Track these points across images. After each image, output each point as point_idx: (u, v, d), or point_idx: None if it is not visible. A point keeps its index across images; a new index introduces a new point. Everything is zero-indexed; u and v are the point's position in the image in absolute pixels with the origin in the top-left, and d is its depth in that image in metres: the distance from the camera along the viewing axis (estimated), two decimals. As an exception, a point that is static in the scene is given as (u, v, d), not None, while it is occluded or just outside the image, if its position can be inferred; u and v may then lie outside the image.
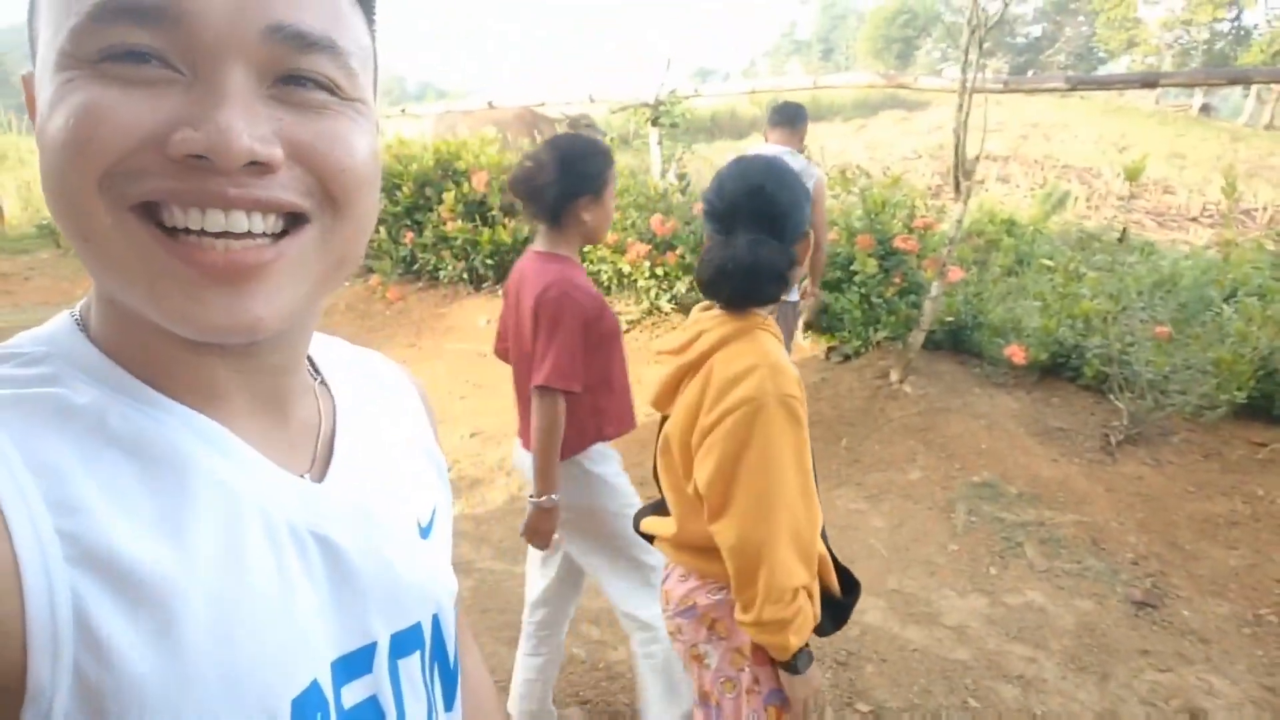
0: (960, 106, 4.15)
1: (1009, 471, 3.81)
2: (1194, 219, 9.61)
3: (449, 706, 0.68)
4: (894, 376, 4.48)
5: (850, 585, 1.57)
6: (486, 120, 7.44)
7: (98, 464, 0.46)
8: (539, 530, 2.04)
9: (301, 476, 0.56)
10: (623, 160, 7.52)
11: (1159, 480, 3.70)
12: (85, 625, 0.43)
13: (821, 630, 1.47)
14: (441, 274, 6.14)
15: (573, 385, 1.94)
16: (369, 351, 0.73)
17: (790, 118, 3.98)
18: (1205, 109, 20.05)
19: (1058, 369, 4.46)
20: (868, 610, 2.99)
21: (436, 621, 0.65)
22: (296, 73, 0.47)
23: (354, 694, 0.57)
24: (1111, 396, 4.05)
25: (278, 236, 0.47)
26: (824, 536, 1.49)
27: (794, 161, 4.22)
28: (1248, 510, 3.45)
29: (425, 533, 0.65)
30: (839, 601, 1.54)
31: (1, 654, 0.41)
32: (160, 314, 0.45)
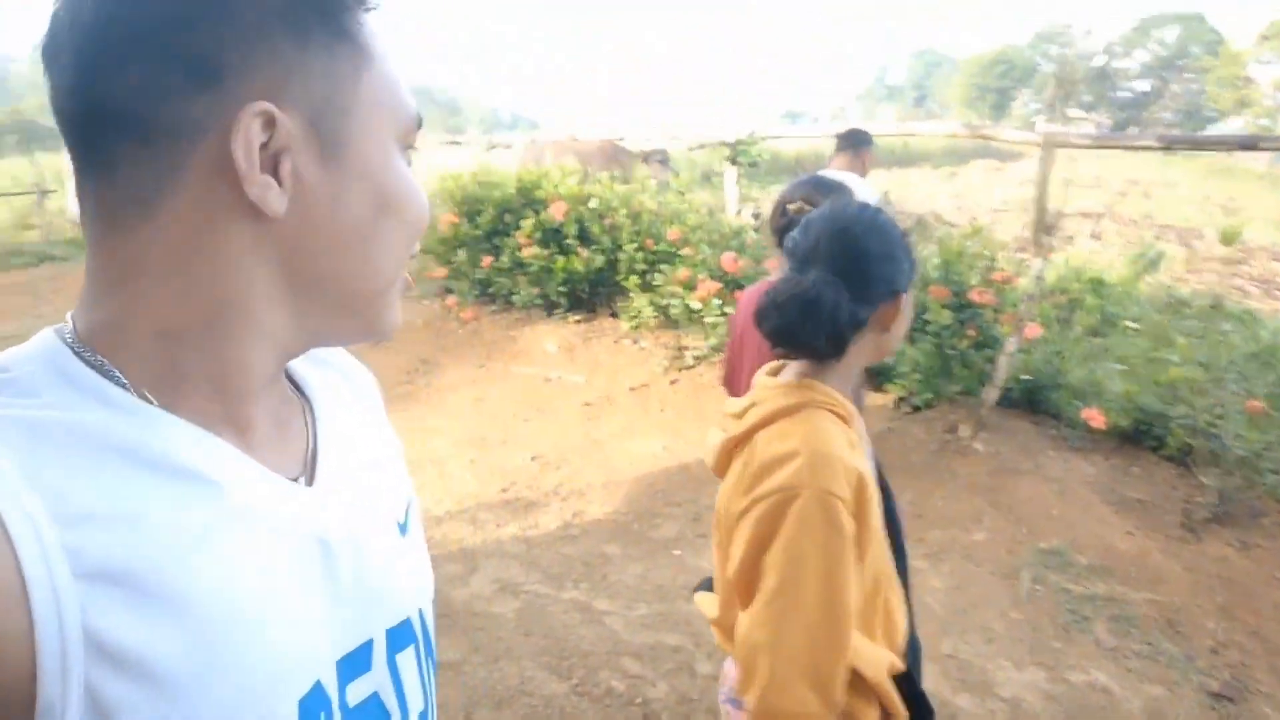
0: (1042, 160, 4.03)
1: (1080, 541, 3.63)
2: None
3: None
4: (964, 432, 4.35)
5: (923, 713, 1.31)
6: (569, 151, 7.61)
7: (101, 478, 0.47)
8: None
9: (296, 481, 0.58)
10: (699, 197, 7.58)
11: (1245, 564, 3.47)
12: (96, 640, 0.43)
13: None
14: (515, 298, 6.26)
15: None
16: (334, 351, 0.74)
17: (853, 142, 3.95)
18: (1322, 174, 19.05)
19: (1139, 437, 4.25)
20: (918, 673, 2.88)
21: (422, 616, 0.67)
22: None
23: (357, 692, 0.59)
24: (1196, 471, 3.83)
25: None
26: (911, 649, 1.32)
27: (858, 186, 4.21)
28: None
29: (404, 530, 0.67)
30: None
31: (10, 670, 0.41)
32: (391, 325, 0.60)
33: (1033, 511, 3.84)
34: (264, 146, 0.50)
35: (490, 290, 6.46)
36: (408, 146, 0.59)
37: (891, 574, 1.30)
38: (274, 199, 0.50)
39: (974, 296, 4.47)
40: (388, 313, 0.59)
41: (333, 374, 0.71)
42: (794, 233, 1.33)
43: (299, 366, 0.66)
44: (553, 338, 5.98)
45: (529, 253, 6.01)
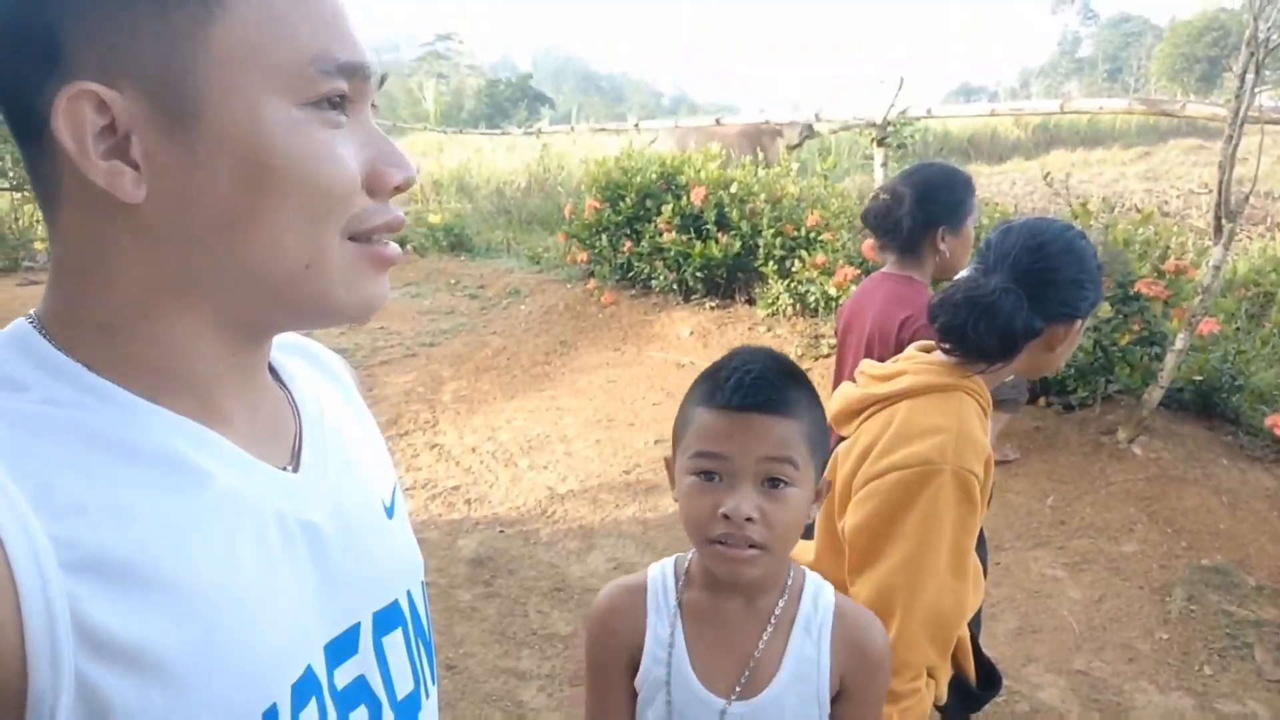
0: (1229, 138, 3.61)
1: (1249, 559, 3.26)
2: None
3: (433, 679, 0.70)
4: (1122, 435, 3.99)
5: (991, 680, 1.44)
6: (713, 136, 7.58)
7: (87, 469, 0.46)
8: None
9: (284, 469, 0.58)
10: (850, 181, 7.34)
11: None
12: (86, 632, 0.43)
13: (945, 713, 1.37)
14: (654, 283, 6.33)
15: None
16: (307, 339, 0.74)
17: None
18: None
19: (1333, 449, 3.74)
20: (1045, 687, 2.70)
21: (410, 597, 0.67)
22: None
23: (345, 675, 0.59)
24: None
25: None
26: (974, 622, 1.41)
27: None
28: None
29: (390, 512, 0.67)
30: (974, 692, 1.42)
31: (0, 661, 0.41)
32: (352, 304, 0.55)
33: (1195, 524, 3.48)
34: (110, 129, 0.46)
35: (630, 275, 6.57)
36: (326, 101, 0.51)
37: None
38: (129, 185, 0.47)
39: (1142, 288, 4.09)
40: (332, 292, 0.53)
41: (307, 360, 0.71)
42: (991, 234, 1.38)
43: (278, 356, 0.65)
44: (687, 323, 6.00)
45: (668, 238, 6.05)
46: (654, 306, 6.36)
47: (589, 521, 3.75)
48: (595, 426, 4.69)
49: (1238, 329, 4.45)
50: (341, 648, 0.59)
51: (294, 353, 0.69)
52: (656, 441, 4.49)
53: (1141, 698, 2.65)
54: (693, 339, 5.83)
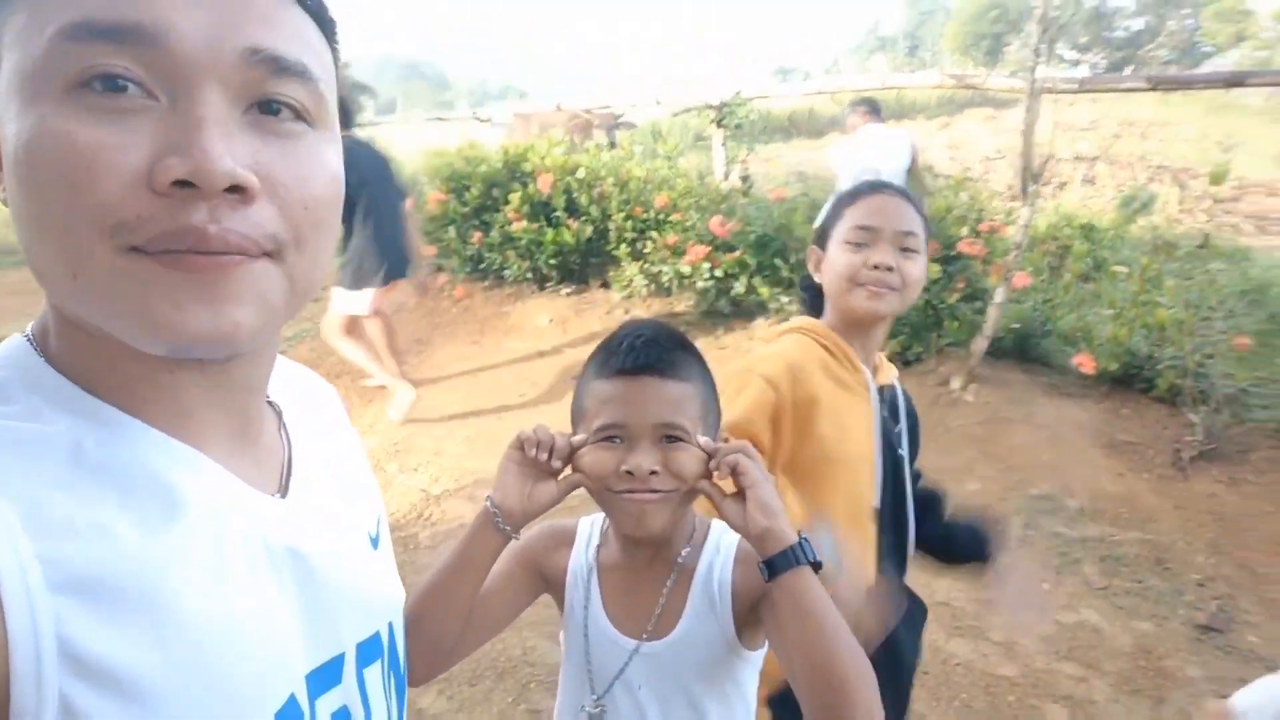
0: (1028, 108, 4.01)
1: (1071, 485, 3.68)
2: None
3: (400, 713, 0.69)
4: (955, 384, 4.38)
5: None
6: (551, 123, 7.56)
7: (75, 490, 0.46)
8: None
9: (272, 496, 0.57)
10: (689, 161, 7.54)
11: (1234, 499, 3.51)
12: (70, 653, 0.42)
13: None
14: (507, 273, 6.27)
15: None
16: (299, 366, 0.74)
17: (876, 108, 5.30)
18: (1321, 105, 18.76)
19: (1129, 380, 4.27)
20: (913, 621, 2.94)
21: (391, 629, 0.67)
22: (270, 97, 0.47)
23: (328, 705, 0.58)
24: (1185, 410, 3.86)
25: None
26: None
27: (897, 134, 5.27)
28: (1331, 534, 3.25)
29: (375, 543, 0.67)
30: None
31: None
32: (148, 331, 0.46)
33: (1024, 459, 3.88)
34: None
35: (481, 266, 6.46)
36: (96, 81, 0.43)
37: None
38: (1, 188, 0.48)
39: (963, 248, 4.48)
40: (111, 310, 0.46)
41: (299, 388, 0.70)
42: None
43: (278, 390, 0.64)
44: (545, 311, 5.99)
45: (518, 227, 6.00)
46: (509, 297, 6.29)
47: (469, 519, 3.67)
48: (463, 423, 4.61)
49: (1043, 280, 4.96)
50: (325, 677, 0.58)
51: (286, 379, 0.68)
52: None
53: (995, 619, 2.94)
54: (552, 327, 5.83)
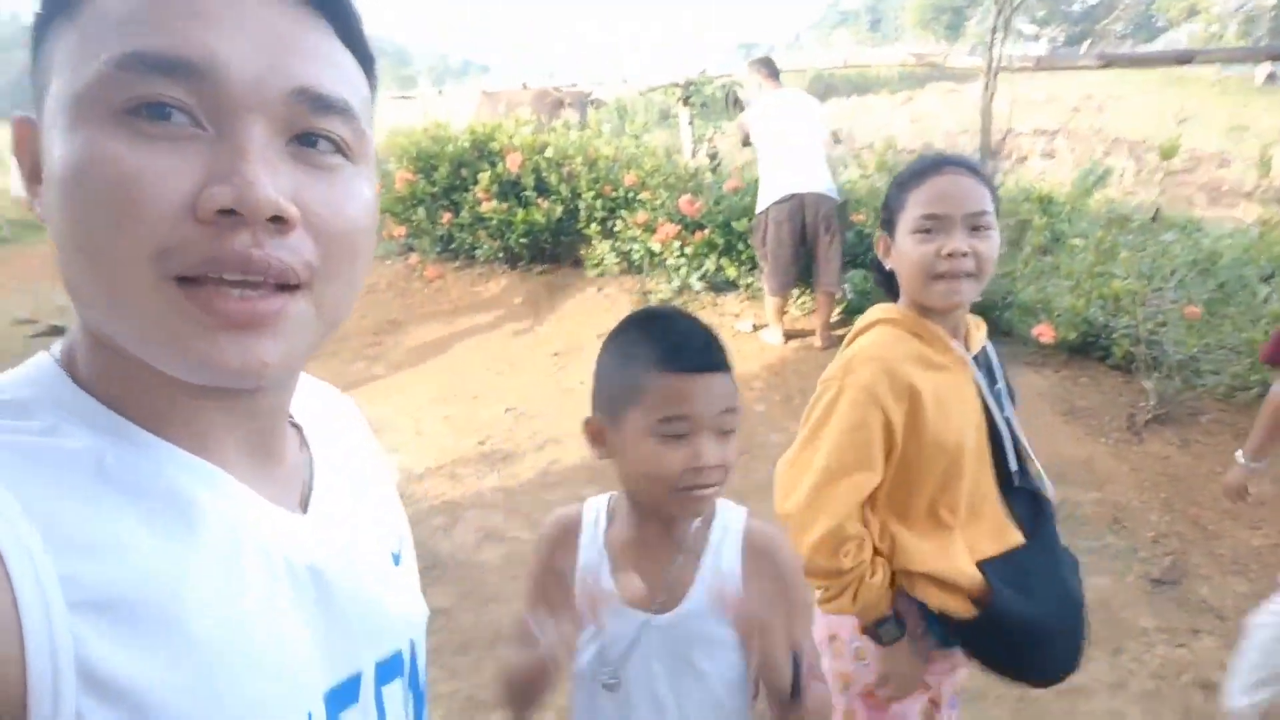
0: (986, 86, 4.11)
1: (1033, 450, 3.82)
2: (1248, 195, 9.32)
3: None
4: (921, 355, 4.50)
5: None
6: (518, 101, 7.54)
7: (98, 507, 0.46)
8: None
9: (293, 513, 0.58)
10: (656, 139, 7.57)
11: (1185, 460, 3.69)
12: (88, 672, 0.42)
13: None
14: (478, 253, 6.27)
15: None
16: (321, 382, 0.74)
17: (774, 69, 4.91)
18: (1272, 78, 19.22)
19: (1087, 349, 4.43)
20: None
21: (413, 647, 0.67)
22: (312, 132, 0.49)
23: None
24: (1139, 377, 4.03)
25: (280, 287, 0.49)
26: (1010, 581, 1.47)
27: (798, 97, 4.88)
28: (1275, 490, 3.43)
29: (397, 560, 0.67)
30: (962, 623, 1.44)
31: (1, 698, 0.41)
32: (179, 360, 0.47)
33: (988, 426, 4.02)
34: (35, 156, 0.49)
35: (452, 247, 6.46)
36: (144, 108, 0.45)
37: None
38: (39, 208, 0.49)
39: (926, 223, 4.59)
40: (149, 340, 0.47)
41: (322, 404, 0.70)
42: None
43: (301, 408, 0.64)
44: (518, 290, 6.02)
45: (488, 207, 6.00)
46: (480, 276, 6.31)
47: (451, 496, 3.75)
48: (441, 402, 4.65)
49: (1003, 253, 5.09)
50: (342, 696, 0.58)
51: (307, 396, 0.68)
52: (506, 410, 4.53)
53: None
54: (524, 306, 5.86)
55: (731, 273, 5.24)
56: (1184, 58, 4.22)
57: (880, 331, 1.44)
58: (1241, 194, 9.49)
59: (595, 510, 1.16)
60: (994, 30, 4.00)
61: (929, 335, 1.42)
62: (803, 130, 4.69)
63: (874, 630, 1.44)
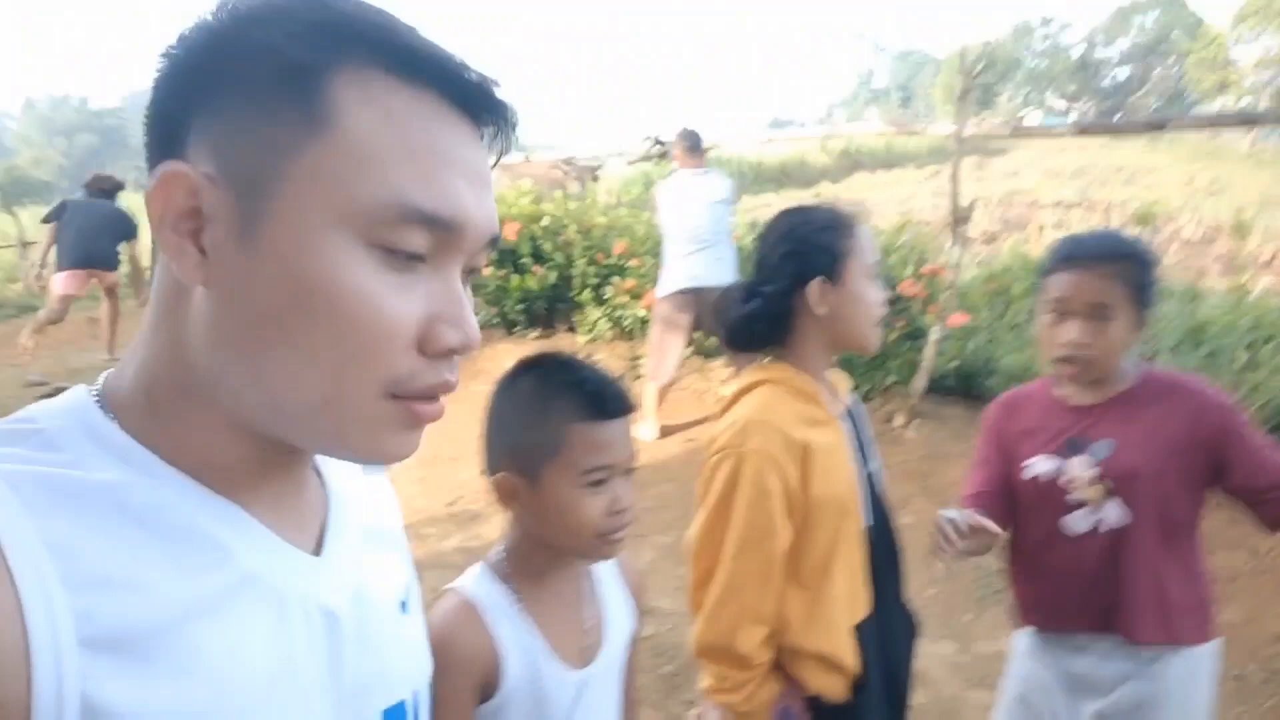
0: (954, 156, 4.17)
1: (1002, 519, 3.74)
2: (1266, 264, 9.16)
3: None
4: (898, 421, 4.47)
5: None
6: (523, 174, 7.80)
7: (118, 542, 0.46)
8: None
9: (308, 554, 0.58)
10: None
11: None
12: (92, 708, 0.43)
13: None
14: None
15: None
16: None
17: (696, 143, 4.64)
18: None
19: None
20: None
21: (416, 698, 0.66)
22: (475, 266, 0.55)
23: None
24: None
25: None
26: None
27: (706, 179, 4.62)
28: (1250, 565, 3.30)
29: (404, 608, 0.67)
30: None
31: None
32: (361, 453, 0.51)
33: (960, 493, 3.94)
34: (197, 212, 0.48)
35: (451, 313, 6.61)
36: (389, 247, 0.48)
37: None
38: (190, 266, 0.48)
39: (904, 289, 4.61)
40: (347, 437, 0.51)
41: None
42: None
43: None
44: (512, 355, 6.03)
45: (485, 273, 6.17)
46: (477, 342, 6.43)
47: (413, 556, 3.76)
48: (419, 464, 4.69)
49: (984, 320, 5.08)
50: None
51: None
52: (482, 471, 4.56)
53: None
54: (517, 371, 5.94)
55: (717, 340, 5.29)
56: (1156, 124, 4.25)
57: (765, 393, 1.43)
58: (1261, 264, 9.33)
59: (480, 588, 1.05)
60: (962, 99, 4.08)
61: (810, 393, 1.44)
62: (706, 215, 4.49)
63: None
